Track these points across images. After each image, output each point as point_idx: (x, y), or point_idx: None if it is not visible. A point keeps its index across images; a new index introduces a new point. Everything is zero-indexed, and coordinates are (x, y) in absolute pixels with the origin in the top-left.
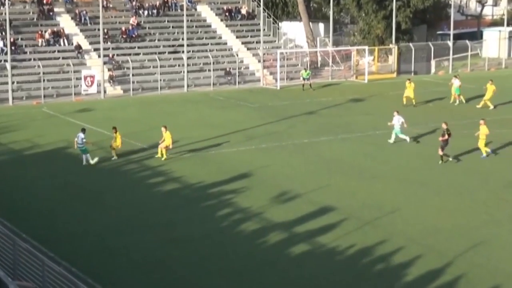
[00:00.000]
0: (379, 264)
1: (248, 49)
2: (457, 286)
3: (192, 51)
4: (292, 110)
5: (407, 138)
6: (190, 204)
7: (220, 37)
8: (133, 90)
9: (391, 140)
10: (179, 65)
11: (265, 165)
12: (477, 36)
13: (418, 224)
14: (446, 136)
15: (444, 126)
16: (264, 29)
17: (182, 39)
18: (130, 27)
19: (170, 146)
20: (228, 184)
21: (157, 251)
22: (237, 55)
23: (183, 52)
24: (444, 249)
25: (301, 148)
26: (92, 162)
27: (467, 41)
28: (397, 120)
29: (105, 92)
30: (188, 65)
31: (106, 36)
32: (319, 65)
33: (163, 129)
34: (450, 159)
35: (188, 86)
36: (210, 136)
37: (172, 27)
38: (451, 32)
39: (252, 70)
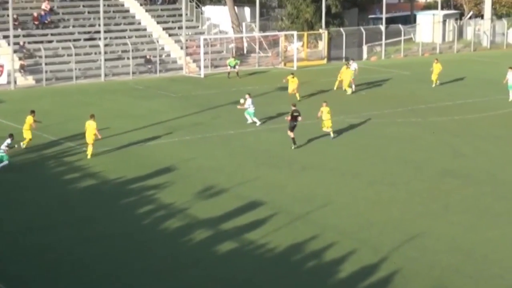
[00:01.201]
0: (311, 260)
1: (169, 35)
2: (393, 281)
3: (110, 38)
4: (217, 100)
5: (258, 122)
6: (109, 201)
7: (140, 23)
8: (46, 80)
9: (249, 121)
10: (95, 53)
11: (189, 158)
12: (410, 20)
13: (351, 218)
14: (289, 117)
15: (292, 107)
16: (186, 14)
17: (99, 25)
18: (42, 13)
19: (99, 136)
20: (149, 179)
21: (75, 249)
22: (158, 42)
23: (99, 39)
24: (378, 244)
25: (227, 140)
26: None
27: (400, 25)
28: (251, 102)
29: (15, 82)
30: (105, 53)
31: (16, 23)
32: (245, 51)
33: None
34: (293, 147)
35: (105, 75)
36: (130, 128)
37: (88, 12)
38: (383, 16)
39: (174, 57)
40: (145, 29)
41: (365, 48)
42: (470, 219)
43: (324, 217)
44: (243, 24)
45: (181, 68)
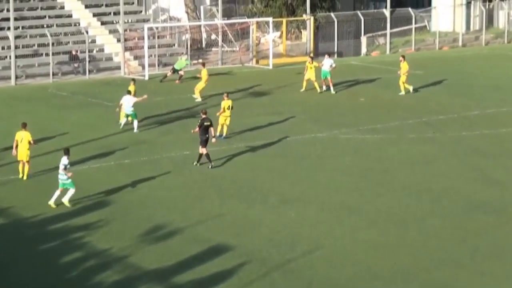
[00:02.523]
0: None
1: (102, 23)
2: None
3: (22, 28)
4: (167, 110)
5: (136, 128)
6: (25, 246)
7: (63, 7)
8: None
9: (122, 126)
10: (3, 48)
11: (130, 188)
12: (424, 3)
13: (347, 267)
14: (197, 129)
15: (202, 115)
16: None
17: (8, 10)
18: None
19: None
20: (77, 216)
21: None
22: (87, 33)
23: (8, 28)
24: None
25: (181, 164)
26: None
27: (410, 9)
28: (130, 100)
29: None
30: (16, 47)
31: None
32: (203, 45)
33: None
34: (196, 163)
35: (16, 77)
36: (50, 148)
37: None
38: None
39: (109, 53)
40: (70, 16)
41: (364, 39)
42: (505, 268)
43: (311, 267)
44: (201, 8)
45: (118, 68)
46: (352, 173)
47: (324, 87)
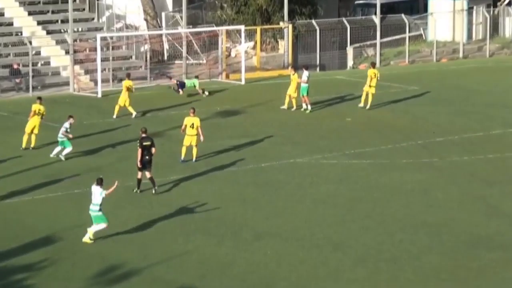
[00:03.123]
0: None
1: (48, 32)
2: None
3: None
4: (123, 132)
5: (62, 156)
6: None
7: (2, 14)
8: None
9: (52, 154)
10: None
11: (80, 222)
12: (419, 8)
13: None
14: (139, 152)
15: (141, 134)
16: (74, 0)
17: None
18: None
19: None
20: (19, 255)
21: None
22: (31, 43)
23: None
24: None
25: (138, 193)
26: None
27: (403, 16)
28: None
29: None
30: None
31: None
32: (165, 57)
33: None
34: (137, 190)
35: None
36: None
37: None
38: (378, 1)
39: (55, 67)
40: (10, 23)
41: (350, 50)
42: None
43: None
44: (163, 15)
45: (67, 84)
46: (336, 204)
47: (304, 105)
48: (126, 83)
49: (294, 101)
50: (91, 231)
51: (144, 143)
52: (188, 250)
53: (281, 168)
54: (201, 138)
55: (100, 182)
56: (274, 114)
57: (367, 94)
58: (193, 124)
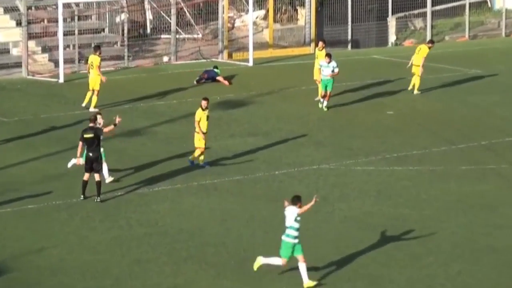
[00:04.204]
0: None
1: None
2: None
3: None
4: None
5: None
6: None
7: None
8: None
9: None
10: None
11: (39, 247)
12: None
13: None
14: (80, 146)
15: (90, 123)
16: None
17: None
18: None
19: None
20: None
21: None
22: None
23: None
24: None
25: (112, 209)
26: None
27: None
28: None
29: None
30: None
31: None
32: (148, 30)
33: None
34: (82, 196)
35: None
36: None
37: None
38: None
39: (3, 42)
40: None
41: (392, 22)
42: None
43: None
44: None
45: (18, 65)
46: (374, 224)
47: (321, 99)
48: (94, 59)
49: (319, 88)
50: (274, 262)
51: (85, 135)
52: (177, 284)
53: (300, 177)
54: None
55: (296, 201)
56: (291, 105)
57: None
58: (208, 117)
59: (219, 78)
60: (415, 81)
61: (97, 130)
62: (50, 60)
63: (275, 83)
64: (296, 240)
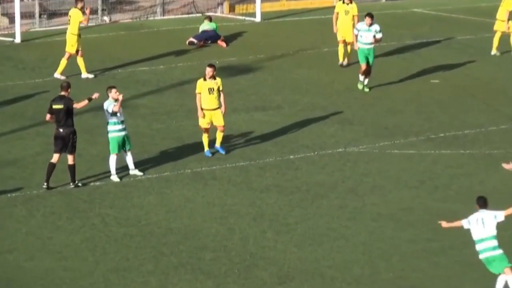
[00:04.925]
0: None
1: None
2: None
3: None
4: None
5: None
6: None
7: None
8: None
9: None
10: None
11: None
12: None
13: None
14: (48, 117)
15: (61, 91)
16: None
17: None
18: None
19: None
20: None
21: None
22: None
23: None
24: None
25: (74, 203)
26: None
27: None
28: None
29: None
30: None
31: None
32: None
33: None
34: (45, 184)
35: None
36: None
37: None
38: None
39: None
40: None
41: None
42: None
43: None
44: None
45: None
46: (416, 222)
47: (361, 78)
48: (73, 13)
49: (348, 48)
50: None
51: (54, 106)
52: None
53: (322, 163)
54: (223, 109)
55: (484, 204)
56: (309, 72)
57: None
58: (211, 89)
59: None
60: (497, 39)
61: (68, 101)
62: (3, 14)
63: (289, 44)
64: (501, 252)
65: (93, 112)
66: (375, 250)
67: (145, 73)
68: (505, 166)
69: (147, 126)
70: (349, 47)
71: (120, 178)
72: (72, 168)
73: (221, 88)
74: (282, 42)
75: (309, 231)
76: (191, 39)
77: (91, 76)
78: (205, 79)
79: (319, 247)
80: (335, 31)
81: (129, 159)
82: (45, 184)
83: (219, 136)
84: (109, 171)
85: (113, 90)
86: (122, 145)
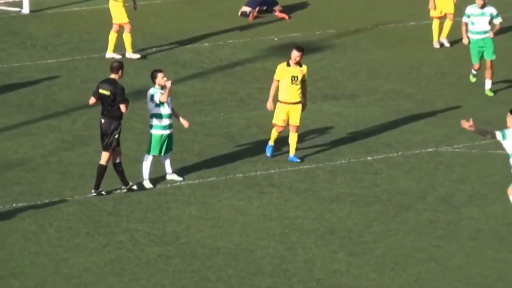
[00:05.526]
0: None
1: None
2: None
3: None
4: (59, 90)
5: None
6: None
7: None
8: None
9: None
10: None
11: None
12: None
13: None
14: (93, 101)
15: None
16: None
17: None
18: None
19: None
20: None
21: None
22: None
23: None
24: None
25: (95, 215)
26: None
27: None
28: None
29: None
30: None
31: None
32: None
33: None
34: (94, 191)
35: None
36: None
37: None
38: None
39: None
40: None
41: None
42: None
43: None
44: None
45: None
46: None
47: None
48: None
49: (448, 25)
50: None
51: (101, 90)
52: None
53: (407, 166)
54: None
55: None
56: (392, 51)
57: None
58: (295, 78)
59: (276, 8)
60: None
61: (116, 88)
62: None
63: (366, 17)
64: None
65: None
66: (473, 276)
67: (186, 52)
68: (463, 124)
69: (188, 119)
70: (448, 23)
71: (154, 184)
72: (118, 166)
73: (305, 78)
74: (358, 14)
75: (391, 252)
76: (244, 8)
77: (136, 56)
78: (288, 65)
79: (404, 272)
80: (430, 6)
81: (167, 161)
82: (93, 191)
83: (293, 141)
84: (141, 175)
85: (159, 75)
86: (166, 146)
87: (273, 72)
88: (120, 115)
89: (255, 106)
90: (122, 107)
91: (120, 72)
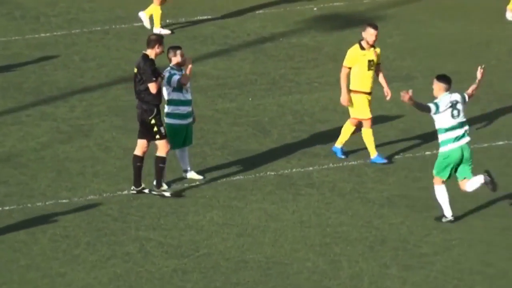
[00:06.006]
0: None
1: None
2: None
3: None
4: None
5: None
6: None
7: None
8: None
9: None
10: None
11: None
12: None
13: None
14: (154, 86)
15: (171, 52)
16: None
17: None
18: None
19: None
20: None
21: None
22: None
23: None
24: None
25: (99, 221)
26: None
27: None
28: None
29: None
30: None
31: None
32: None
33: None
34: (133, 189)
35: None
36: None
37: None
38: None
39: None
40: None
41: None
42: None
43: None
44: None
45: None
46: None
47: None
48: None
49: None
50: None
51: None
52: None
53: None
54: (387, 91)
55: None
56: (455, 25)
57: None
58: (371, 62)
59: None
60: None
61: (143, 63)
62: None
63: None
64: None
65: (125, 84)
66: None
67: (207, 26)
68: (403, 96)
69: (209, 105)
70: None
71: (169, 184)
72: (160, 161)
73: (380, 61)
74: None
75: (454, 266)
76: None
77: (166, 32)
78: (362, 48)
79: None
80: None
81: (185, 157)
82: (133, 188)
83: (368, 138)
84: (152, 175)
85: (178, 52)
86: (184, 139)
87: (311, 49)
88: (153, 98)
89: (290, 90)
90: (151, 87)
91: (156, 46)
